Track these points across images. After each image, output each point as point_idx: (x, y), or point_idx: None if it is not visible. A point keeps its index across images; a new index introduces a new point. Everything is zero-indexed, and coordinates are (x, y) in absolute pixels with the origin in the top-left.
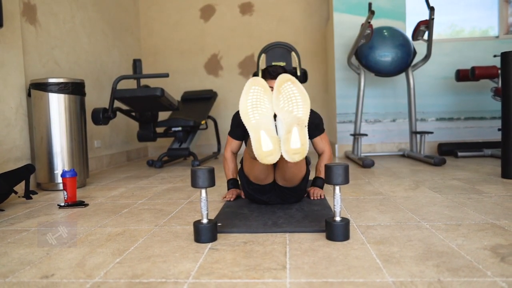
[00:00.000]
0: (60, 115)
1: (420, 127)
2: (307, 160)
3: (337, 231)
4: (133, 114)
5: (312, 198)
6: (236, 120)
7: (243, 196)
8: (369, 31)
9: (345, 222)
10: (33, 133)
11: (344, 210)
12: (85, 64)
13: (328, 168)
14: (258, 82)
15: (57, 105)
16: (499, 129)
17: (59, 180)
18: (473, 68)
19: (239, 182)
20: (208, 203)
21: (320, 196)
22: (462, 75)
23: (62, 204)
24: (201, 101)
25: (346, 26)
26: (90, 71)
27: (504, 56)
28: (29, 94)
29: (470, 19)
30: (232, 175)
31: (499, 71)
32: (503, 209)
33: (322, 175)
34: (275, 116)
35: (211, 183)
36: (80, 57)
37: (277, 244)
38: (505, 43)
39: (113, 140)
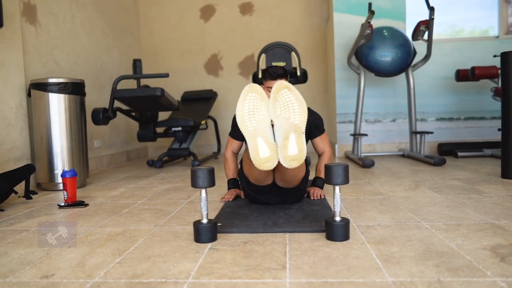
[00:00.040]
0: (60, 115)
1: (420, 127)
2: (307, 160)
3: (337, 231)
4: (133, 114)
5: (312, 198)
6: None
7: (242, 196)
8: (369, 31)
9: (345, 222)
10: (33, 133)
11: (344, 210)
12: (85, 64)
13: (328, 168)
14: (255, 89)
15: (57, 105)
16: (499, 129)
17: (59, 180)
18: (473, 68)
19: (239, 182)
20: (208, 203)
21: (320, 196)
22: (462, 75)
23: (62, 204)
24: (201, 101)
25: (346, 26)
26: (90, 71)
27: (504, 56)
28: (29, 94)
29: (470, 19)
30: (232, 175)
31: (499, 71)
32: (503, 209)
33: (322, 175)
34: (272, 123)
35: (211, 183)
36: (80, 57)
37: (277, 244)
38: (505, 43)
39: (113, 140)
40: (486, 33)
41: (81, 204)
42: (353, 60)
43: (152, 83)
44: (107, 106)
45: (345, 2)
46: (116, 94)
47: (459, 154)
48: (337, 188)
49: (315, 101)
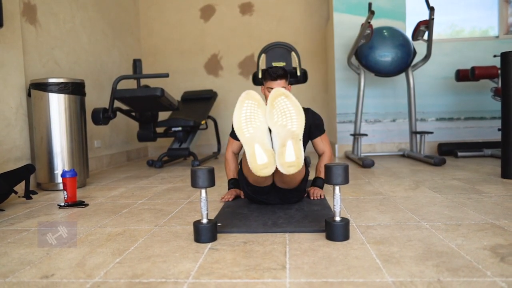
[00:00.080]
0: (60, 115)
1: (420, 127)
2: (306, 160)
3: (337, 231)
4: (133, 114)
5: (312, 198)
6: None
7: (242, 196)
8: (369, 31)
9: (345, 222)
10: (33, 133)
11: (344, 210)
12: (85, 64)
13: (328, 168)
14: (252, 96)
15: (57, 105)
16: (499, 129)
17: (59, 180)
18: (473, 68)
19: (239, 183)
20: (208, 203)
21: (320, 196)
22: (462, 75)
23: (62, 204)
24: (201, 101)
25: (346, 26)
26: (90, 71)
27: (504, 56)
28: (29, 94)
29: (470, 19)
30: (232, 175)
31: (499, 71)
32: (503, 209)
33: (322, 175)
34: (269, 129)
35: (211, 183)
36: (80, 57)
37: (277, 244)
38: (505, 43)
39: (113, 140)
40: (486, 33)
41: (81, 204)
42: (353, 60)
43: (152, 83)
44: (107, 106)
45: (345, 2)
46: (116, 94)
47: (459, 154)
48: (337, 188)
49: (315, 101)
